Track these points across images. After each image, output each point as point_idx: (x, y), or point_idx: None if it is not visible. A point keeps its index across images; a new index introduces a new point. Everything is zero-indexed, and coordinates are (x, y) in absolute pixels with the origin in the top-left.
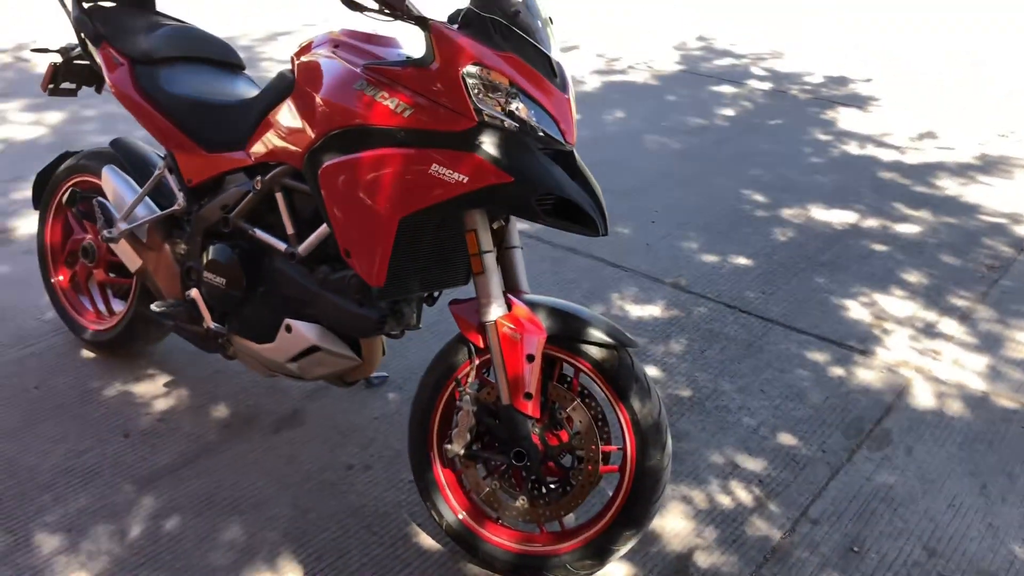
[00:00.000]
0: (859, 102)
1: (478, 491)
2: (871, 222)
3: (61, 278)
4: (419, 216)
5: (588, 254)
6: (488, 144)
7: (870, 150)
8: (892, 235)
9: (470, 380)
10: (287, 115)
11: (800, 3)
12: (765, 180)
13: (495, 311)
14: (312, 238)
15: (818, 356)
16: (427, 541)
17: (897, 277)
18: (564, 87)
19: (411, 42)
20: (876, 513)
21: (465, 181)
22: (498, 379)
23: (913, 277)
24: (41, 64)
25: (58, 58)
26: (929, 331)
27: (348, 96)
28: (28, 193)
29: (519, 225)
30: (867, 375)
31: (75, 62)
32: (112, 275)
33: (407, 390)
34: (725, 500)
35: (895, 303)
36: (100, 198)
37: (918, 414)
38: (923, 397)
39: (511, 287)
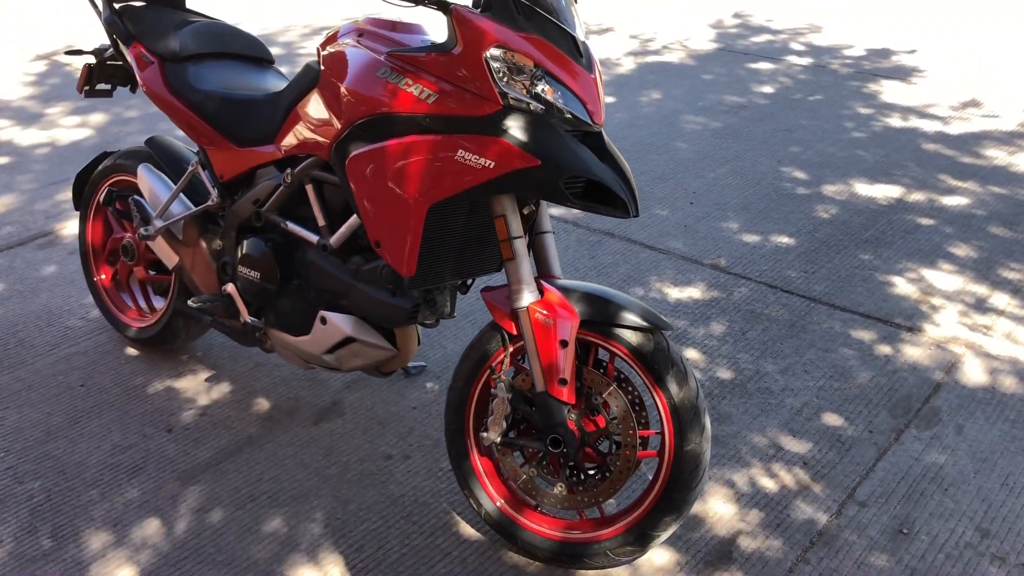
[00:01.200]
0: (902, 74)
1: (515, 479)
2: (916, 195)
3: (103, 277)
4: (447, 203)
5: (625, 237)
6: (514, 128)
7: (914, 122)
8: (938, 208)
9: (504, 367)
10: (314, 107)
11: None
12: (805, 157)
13: (527, 297)
14: (343, 229)
15: (863, 334)
16: (467, 530)
17: (944, 251)
18: (590, 67)
19: (438, 28)
20: (926, 494)
21: (492, 166)
22: (532, 366)
23: (961, 250)
24: (79, 67)
25: (92, 59)
26: (979, 305)
27: (372, 84)
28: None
29: (552, 210)
30: (915, 352)
31: (108, 63)
32: (152, 272)
33: (445, 379)
34: (769, 483)
35: (943, 278)
36: (136, 196)
37: (968, 391)
38: (973, 373)
39: (543, 272)
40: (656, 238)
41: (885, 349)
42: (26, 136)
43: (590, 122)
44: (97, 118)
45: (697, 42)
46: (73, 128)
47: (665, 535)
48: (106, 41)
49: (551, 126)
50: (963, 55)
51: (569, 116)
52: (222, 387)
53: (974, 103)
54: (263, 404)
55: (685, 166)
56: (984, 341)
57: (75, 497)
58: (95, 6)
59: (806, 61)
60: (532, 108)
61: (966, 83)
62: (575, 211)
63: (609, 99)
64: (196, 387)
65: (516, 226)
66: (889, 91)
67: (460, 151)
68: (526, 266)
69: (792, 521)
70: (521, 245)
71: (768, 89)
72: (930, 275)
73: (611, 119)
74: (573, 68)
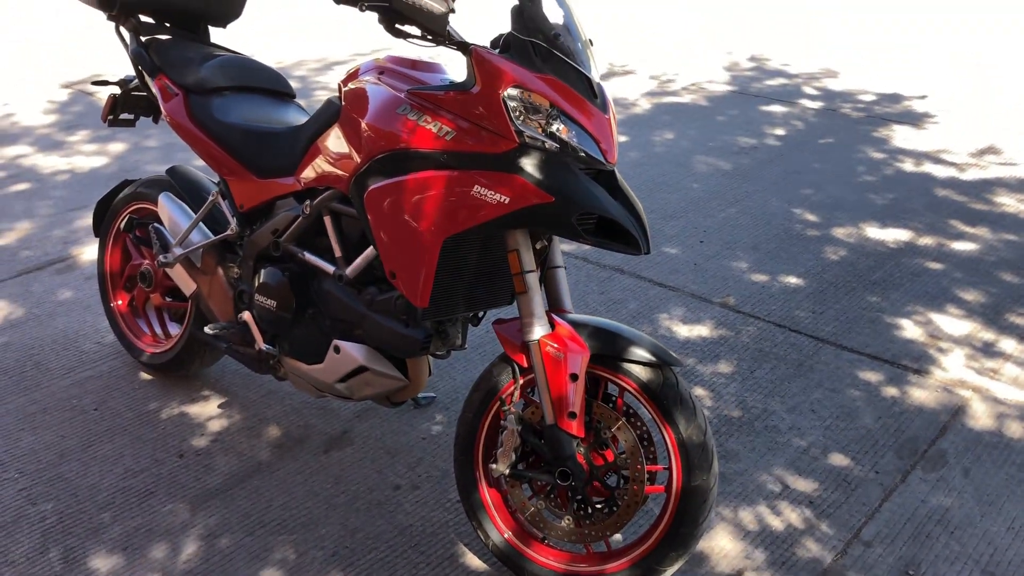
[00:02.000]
0: (913, 119)
1: (523, 511)
2: (926, 240)
3: (120, 302)
4: (462, 237)
5: (635, 274)
6: (529, 165)
7: (925, 167)
8: (948, 253)
9: (514, 400)
10: (334, 141)
11: (854, 23)
12: (816, 199)
13: (538, 330)
14: (359, 260)
15: (871, 375)
16: (474, 561)
17: (953, 295)
18: (605, 107)
19: (457, 67)
20: (932, 536)
21: (507, 202)
22: (542, 399)
23: (970, 295)
24: (104, 97)
25: (117, 90)
26: (987, 350)
27: (392, 121)
28: (90, 221)
29: (563, 245)
30: (922, 395)
31: (133, 93)
32: (168, 299)
33: (454, 410)
34: (775, 521)
35: (951, 322)
36: (156, 224)
37: (975, 434)
38: (981, 417)
39: (554, 307)
40: (666, 275)
41: (892, 391)
42: (47, 163)
43: (603, 160)
44: (116, 147)
45: (712, 84)
46: (93, 156)
47: (671, 570)
48: (131, 72)
49: (565, 164)
50: (979, 101)
51: (583, 155)
52: (234, 414)
53: (992, 150)
54: (274, 431)
55: (696, 205)
56: (991, 385)
57: (87, 520)
58: (122, 38)
59: (818, 105)
60: (547, 146)
61: (981, 130)
62: (585, 247)
63: (622, 138)
64: (208, 413)
65: (529, 260)
66: (901, 136)
67: (476, 186)
68: (538, 300)
69: (797, 559)
70: (533, 279)
71: (780, 131)
72: (938, 318)
73: (624, 157)
74: (588, 108)
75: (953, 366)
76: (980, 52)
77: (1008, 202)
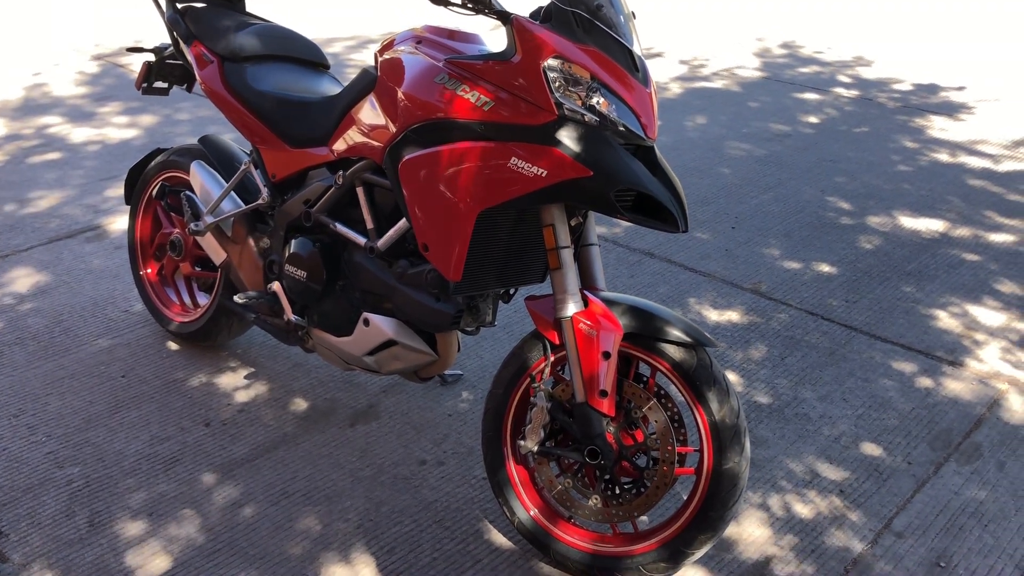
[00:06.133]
0: (950, 110)
1: (551, 489)
2: (961, 231)
3: (149, 271)
4: (497, 210)
5: (665, 258)
6: (568, 138)
7: (961, 158)
8: (984, 244)
9: (545, 376)
10: (369, 111)
11: (889, 10)
12: (849, 188)
13: (571, 307)
14: (391, 232)
15: (904, 366)
16: (499, 538)
17: (989, 287)
18: (646, 81)
19: (494, 40)
20: (965, 528)
21: (544, 175)
22: (573, 376)
23: (1006, 287)
24: (137, 66)
25: (152, 57)
26: (1023, 342)
27: (429, 90)
28: (121, 191)
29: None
30: (956, 386)
31: (168, 61)
32: (198, 268)
33: (481, 388)
34: (804, 509)
35: (987, 313)
36: (188, 192)
37: (1011, 428)
38: (1017, 410)
39: (588, 284)
40: (696, 260)
41: (926, 382)
42: (78, 133)
43: (643, 136)
44: (147, 119)
45: (744, 70)
46: (124, 128)
47: (699, 553)
48: (166, 41)
49: (604, 138)
50: (1017, 93)
51: (622, 129)
52: (260, 385)
53: None
54: (300, 404)
55: (728, 191)
56: None
57: (113, 484)
58: (158, 5)
59: (853, 93)
60: (586, 119)
61: (1019, 122)
62: (616, 229)
63: None
64: (235, 384)
65: (564, 236)
66: (937, 126)
67: (513, 159)
68: (572, 276)
69: (827, 548)
70: (568, 255)
71: (814, 119)
72: (974, 310)
73: (656, 141)
74: (629, 82)
75: (989, 358)
76: (1020, 42)
77: None
